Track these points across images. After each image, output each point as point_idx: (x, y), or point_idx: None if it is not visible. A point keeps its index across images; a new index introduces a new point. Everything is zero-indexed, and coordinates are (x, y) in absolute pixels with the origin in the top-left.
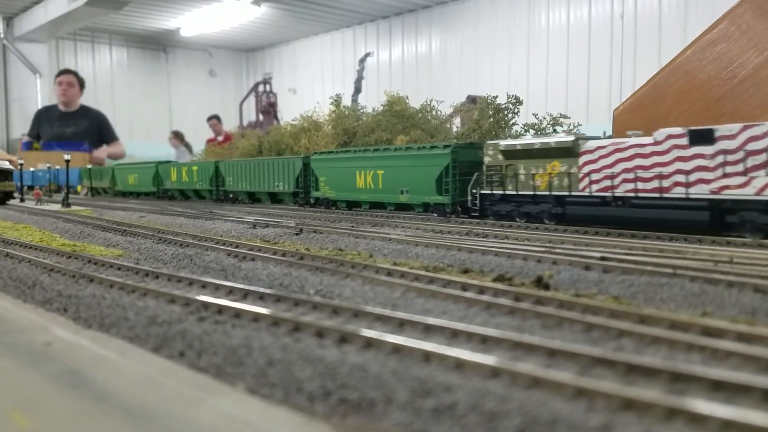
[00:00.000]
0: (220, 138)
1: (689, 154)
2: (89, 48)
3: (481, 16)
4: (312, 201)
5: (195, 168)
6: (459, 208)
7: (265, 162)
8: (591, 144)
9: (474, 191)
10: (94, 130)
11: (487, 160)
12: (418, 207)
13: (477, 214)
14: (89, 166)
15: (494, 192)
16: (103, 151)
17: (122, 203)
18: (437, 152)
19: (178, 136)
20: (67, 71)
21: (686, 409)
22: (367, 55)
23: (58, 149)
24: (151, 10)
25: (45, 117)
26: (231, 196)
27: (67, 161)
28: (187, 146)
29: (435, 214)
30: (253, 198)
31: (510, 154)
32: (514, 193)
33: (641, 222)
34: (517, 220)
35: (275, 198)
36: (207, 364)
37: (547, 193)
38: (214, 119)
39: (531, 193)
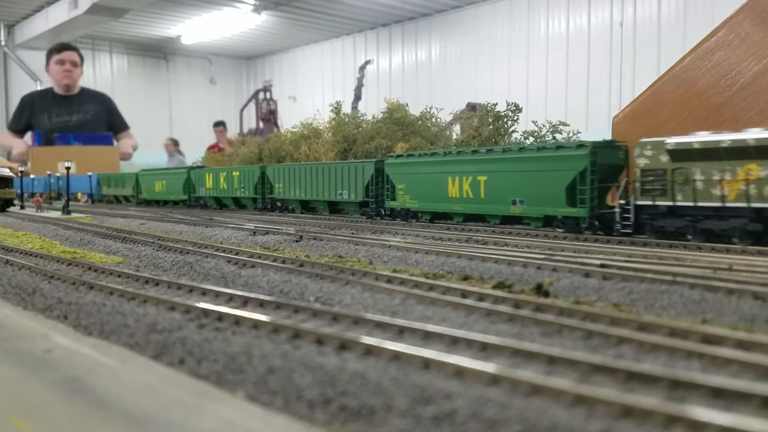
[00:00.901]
0: (222, 145)
1: None
2: (90, 56)
3: (480, 23)
4: (386, 212)
5: (236, 173)
6: (597, 223)
7: (325, 167)
8: None
9: (622, 201)
10: (103, 117)
11: (642, 162)
12: (535, 221)
13: (629, 231)
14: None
15: (657, 203)
16: (127, 144)
17: (122, 210)
18: (569, 153)
19: (175, 143)
20: (68, 47)
21: (686, 416)
22: (367, 62)
23: (78, 143)
24: (152, 18)
25: (39, 104)
26: (279, 204)
27: (68, 168)
28: (180, 153)
29: (560, 230)
30: (306, 208)
31: (681, 154)
32: (689, 204)
33: None
34: (690, 238)
35: (335, 208)
36: (207, 372)
37: (742, 205)
38: (221, 126)
39: (717, 204)
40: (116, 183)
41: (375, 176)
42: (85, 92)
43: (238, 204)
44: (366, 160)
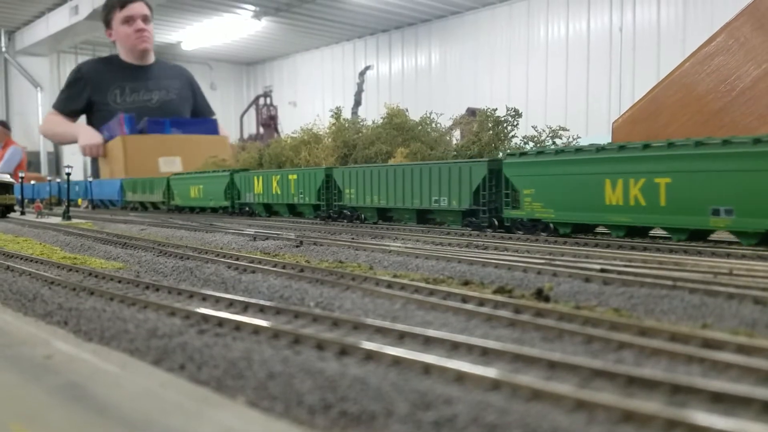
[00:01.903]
0: None
1: None
2: None
3: (480, 29)
4: (504, 223)
5: (292, 177)
6: None
7: (416, 168)
8: None
9: None
10: (188, 97)
11: None
12: (749, 238)
13: None
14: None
15: None
16: (225, 136)
17: (123, 216)
18: None
19: None
20: None
21: (686, 421)
22: (367, 68)
23: (176, 130)
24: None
25: (106, 76)
26: (348, 213)
27: (68, 174)
28: None
29: None
30: (384, 217)
31: None
32: None
33: None
34: None
35: (425, 218)
36: (207, 377)
37: None
38: None
39: None
40: (143, 188)
41: (488, 179)
42: (161, 63)
43: (293, 211)
44: (476, 159)
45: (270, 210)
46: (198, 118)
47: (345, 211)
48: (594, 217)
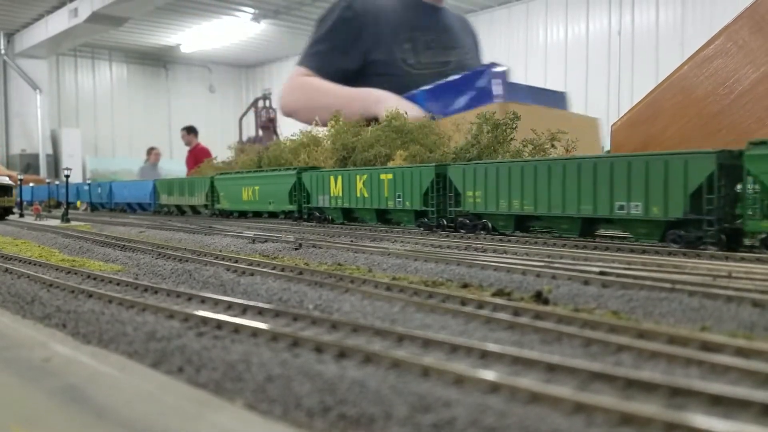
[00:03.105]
0: (188, 147)
1: None
2: (89, 64)
3: (478, 32)
4: (728, 237)
5: (386, 176)
6: None
7: (585, 164)
8: None
9: None
10: (478, 60)
11: None
12: None
13: None
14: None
15: None
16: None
17: (122, 219)
18: None
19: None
20: None
21: (685, 424)
22: None
23: (528, 100)
24: (151, 26)
25: (393, 21)
26: (468, 222)
27: (67, 177)
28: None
29: None
30: (522, 226)
31: None
32: None
33: None
34: None
35: (591, 228)
36: (206, 380)
37: None
38: (184, 131)
39: None
40: (181, 190)
41: (717, 177)
42: (446, 10)
43: (383, 219)
44: (693, 150)
45: (350, 216)
46: (550, 89)
47: (463, 219)
48: None
